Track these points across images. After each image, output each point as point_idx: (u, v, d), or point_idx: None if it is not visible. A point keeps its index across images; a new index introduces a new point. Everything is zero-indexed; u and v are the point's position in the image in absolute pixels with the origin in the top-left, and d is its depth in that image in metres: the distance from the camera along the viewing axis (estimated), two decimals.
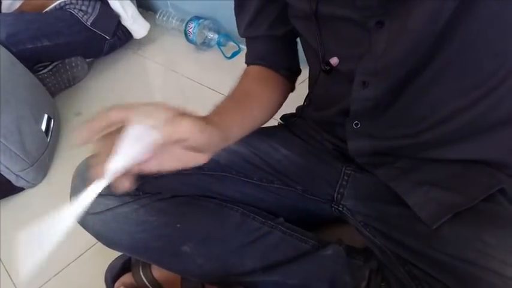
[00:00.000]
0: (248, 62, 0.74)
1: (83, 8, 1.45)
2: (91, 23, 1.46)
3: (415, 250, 0.56)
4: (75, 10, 1.44)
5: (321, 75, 0.62)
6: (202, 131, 0.45)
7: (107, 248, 0.69)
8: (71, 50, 1.47)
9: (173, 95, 1.43)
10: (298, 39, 0.72)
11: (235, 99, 0.63)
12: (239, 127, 0.60)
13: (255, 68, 0.72)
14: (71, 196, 0.66)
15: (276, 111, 0.73)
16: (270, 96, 0.70)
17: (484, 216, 0.53)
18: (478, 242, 0.51)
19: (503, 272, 0.48)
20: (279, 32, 0.69)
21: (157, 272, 0.74)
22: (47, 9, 1.44)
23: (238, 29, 0.73)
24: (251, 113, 0.65)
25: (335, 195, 0.69)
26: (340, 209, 0.68)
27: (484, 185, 0.55)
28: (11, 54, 1.21)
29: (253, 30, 0.69)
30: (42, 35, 1.36)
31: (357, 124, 0.61)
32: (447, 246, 0.53)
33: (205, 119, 0.49)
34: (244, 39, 0.74)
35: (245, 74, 0.72)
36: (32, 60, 1.35)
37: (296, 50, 0.74)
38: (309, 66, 0.72)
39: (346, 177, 0.68)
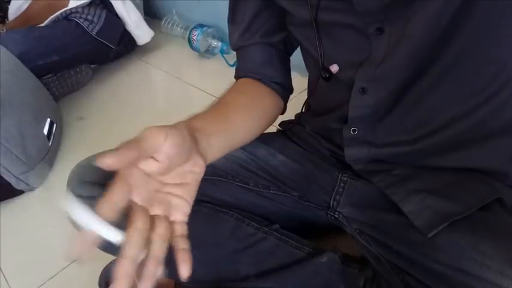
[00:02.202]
0: (239, 75, 0.71)
1: (89, 17, 1.47)
2: (96, 32, 1.47)
3: (410, 259, 0.55)
4: (80, 19, 1.46)
5: (320, 81, 0.62)
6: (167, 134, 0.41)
7: (102, 252, 0.68)
8: (78, 61, 1.49)
9: (176, 102, 1.44)
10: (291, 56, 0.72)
11: (215, 113, 0.58)
12: (224, 142, 0.57)
13: (244, 81, 0.69)
14: (66, 198, 0.66)
15: (267, 124, 0.69)
16: (255, 108, 0.66)
17: (481, 226, 0.52)
18: (474, 252, 0.50)
19: (499, 283, 0.47)
20: (275, 39, 0.68)
21: None
22: (52, 17, 1.45)
23: (230, 39, 0.71)
24: (235, 126, 0.60)
25: (331, 202, 0.68)
26: (336, 216, 0.68)
27: (481, 194, 0.55)
28: (15, 58, 1.23)
29: (248, 38, 0.68)
30: (52, 50, 1.39)
31: (354, 130, 0.61)
32: (442, 255, 0.52)
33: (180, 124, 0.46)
34: None
35: (232, 87, 0.68)
36: (41, 75, 1.36)
37: (289, 67, 0.73)
38: (309, 73, 0.72)
39: (342, 184, 0.67)
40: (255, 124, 0.66)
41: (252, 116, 0.65)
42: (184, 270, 0.42)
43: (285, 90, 0.72)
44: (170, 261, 0.63)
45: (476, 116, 0.54)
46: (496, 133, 0.55)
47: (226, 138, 0.56)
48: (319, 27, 0.58)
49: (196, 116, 0.54)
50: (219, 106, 0.61)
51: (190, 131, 0.47)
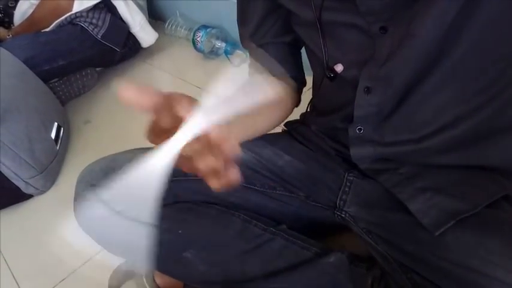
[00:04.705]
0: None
1: (93, 21, 1.47)
2: (101, 36, 1.48)
3: (417, 257, 0.55)
4: (85, 23, 1.46)
5: (324, 81, 0.62)
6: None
7: (111, 254, 0.69)
8: (83, 65, 1.50)
9: None
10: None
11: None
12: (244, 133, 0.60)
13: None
14: (74, 201, 0.67)
15: (282, 119, 0.73)
16: (274, 110, 0.69)
17: (488, 223, 0.52)
18: (482, 249, 0.50)
19: (507, 280, 0.47)
20: (287, 39, 0.69)
21: (160, 279, 0.74)
22: (57, 21, 1.46)
23: (241, 39, 0.72)
24: (254, 121, 0.64)
25: (337, 202, 0.68)
26: (343, 215, 0.68)
27: (488, 191, 0.55)
28: (22, 63, 1.24)
29: (260, 37, 0.69)
30: (57, 55, 1.39)
31: (360, 130, 0.61)
32: (450, 253, 0.52)
33: None
34: None
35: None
36: (47, 79, 1.37)
37: (301, 61, 0.74)
38: (313, 72, 0.72)
39: (348, 184, 0.67)
40: (272, 119, 0.69)
41: (273, 115, 0.69)
42: None
43: (298, 84, 0.73)
44: (179, 261, 0.64)
45: (482, 114, 0.53)
46: (502, 130, 0.55)
47: (245, 127, 0.60)
48: (323, 27, 0.58)
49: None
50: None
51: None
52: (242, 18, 0.70)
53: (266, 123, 0.68)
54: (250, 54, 0.74)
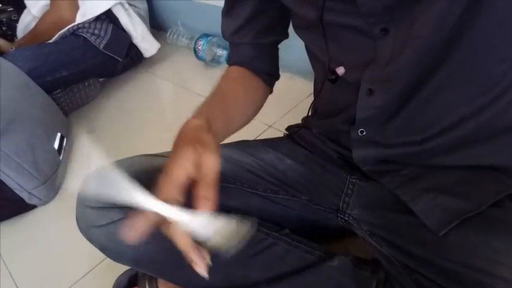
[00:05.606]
0: (231, 63, 0.75)
1: (96, 31, 1.49)
2: (104, 46, 1.49)
3: (422, 259, 0.54)
4: (87, 34, 1.48)
5: (326, 83, 0.62)
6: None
7: (115, 263, 0.69)
8: (86, 75, 1.51)
9: (184, 112, 1.43)
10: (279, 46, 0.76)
11: (218, 103, 0.65)
12: (224, 132, 0.64)
13: (237, 69, 0.74)
14: (76, 210, 0.67)
15: (254, 115, 0.75)
16: (248, 99, 0.72)
17: (493, 223, 0.51)
18: (487, 249, 0.49)
19: None
20: (266, 41, 0.71)
21: (163, 286, 0.74)
22: (60, 33, 1.48)
23: (223, 31, 0.74)
24: (231, 116, 0.67)
25: (340, 205, 0.67)
26: (346, 218, 0.67)
27: (492, 190, 0.54)
28: (25, 74, 1.25)
29: (240, 37, 0.71)
30: (60, 66, 1.41)
31: (362, 132, 0.61)
32: (454, 254, 0.51)
33: (210, 132, 0.54)
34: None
35: (226, 74, 0.73)
36: (50, 90, 1.38)
37: (277, 57, 0.76)
38: (315, 74, 0.73)
39: (351, 186, 0.67)
40: (247, 115, 0.73)
41: (246, 108, 0.72)
42: None
43: (273, 78, 0.77)
44: (180, 267, 0.64)
45: (485, 115, 0.53)
46: (505, 130, 0.55)
47: (225, 125, 0.63)
48: (325, 29, 0.58)
49: (206, 106, 0.63)
50: (220, 95, 0.67)
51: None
52: (228, 11, 0.71)
53: (240, 121, 0.71)
54: (230, 46, 0.76)
